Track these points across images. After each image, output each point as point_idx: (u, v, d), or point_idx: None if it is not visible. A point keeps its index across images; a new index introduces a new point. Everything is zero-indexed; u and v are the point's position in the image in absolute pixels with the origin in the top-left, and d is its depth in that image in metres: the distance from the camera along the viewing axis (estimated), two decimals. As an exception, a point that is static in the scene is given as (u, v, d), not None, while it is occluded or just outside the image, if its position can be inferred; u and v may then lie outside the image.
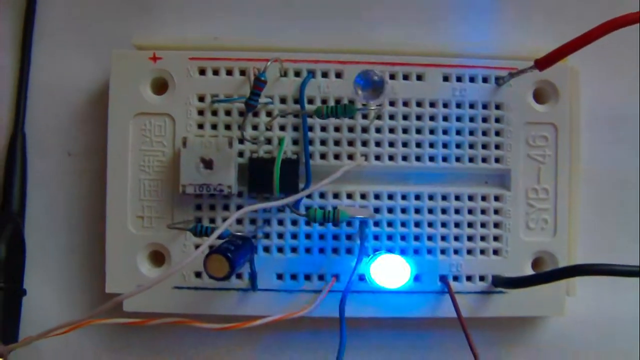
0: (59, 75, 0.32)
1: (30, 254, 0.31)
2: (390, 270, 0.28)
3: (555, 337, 0.32)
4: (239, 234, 0.28)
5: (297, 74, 0.30)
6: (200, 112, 0.30)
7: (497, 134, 0.30)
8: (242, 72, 0.30)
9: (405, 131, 0.30)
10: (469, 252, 0.30)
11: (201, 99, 0.30)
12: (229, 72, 0.30)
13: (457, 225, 0.30)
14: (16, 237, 0.30)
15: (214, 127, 0.30)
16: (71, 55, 0.32)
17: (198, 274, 0.30)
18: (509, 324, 0.32)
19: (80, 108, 0.32)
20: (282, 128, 0.30)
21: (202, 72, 0.30)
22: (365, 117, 0.30)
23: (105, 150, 0.30)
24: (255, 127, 0.30)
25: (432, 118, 0.30)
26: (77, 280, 0.31)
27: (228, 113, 0.30)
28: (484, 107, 0.30)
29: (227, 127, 0.30)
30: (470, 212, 0.30)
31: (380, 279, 0.28)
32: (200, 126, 0.30)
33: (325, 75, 0.30)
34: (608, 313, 0.32)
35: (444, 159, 0.30)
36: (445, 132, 0.30)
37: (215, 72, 0.30)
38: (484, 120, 0.30)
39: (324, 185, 0.28)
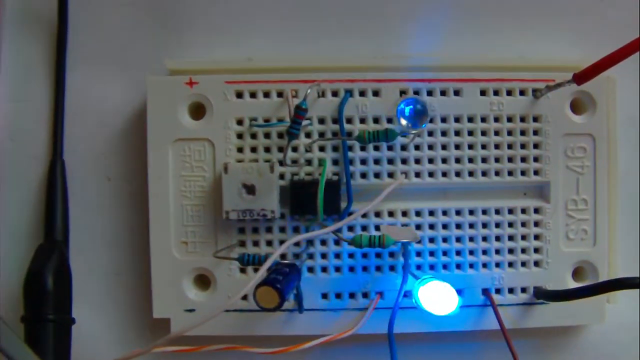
0: (94, 101, 0.32)
1: (77, 281, 0.31)
2: (438, 298, 0.28)
3: (596, 344, 0.33)
4: (285, 262, 0.28)
5: (335, 93, 0.30)
6: (239, 136, 0.30)
7: (536, 146, 0.30)
8: (280, 94, 0.30)
9: (444, 147, 0.30)
10: (510, 264, 0.31)
11: (239, 122, 0.30)
12: (266, 94, 0.30)
13: (497, 238, 0.31)
14: (62, 266, 0.30)
15: (254, 150, 0.30)
16: (105, 80, 0.32)
17: (244, 297, 0.30)
18: (550, 332, 0.32)
19: (116, 133, 0.32)
20: (322, 149, 0.30)
21: (239, 95, 0.30)
22: (404, 135, 0.30)
23: (144, 174, 0.30)
24: (295, 149, 0.30)
25: (470, 133, 0.30)
26: (124, 305, 0.32)
27: (267, 136, 0.30)
28: (522, 120, 0.30)
29: (267, 149, 0.30)
30: (510, 225, 0.31)
31: (428, 304, 0.29)
32: (240, 150, 0.30)
33: (362, 94, 0.30)
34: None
35: (484, 174, 0.30)
36: (484, 146, 0.30)
37: (253, 95, 0.30)
38: (522, 133, 0.30)
39: (371, 209, 0.28)
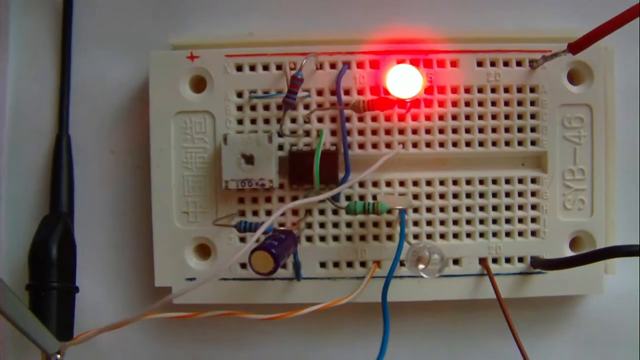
0: (98, 77, 0.33)
1: (81, 252, 0.32)
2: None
3: (594, 315, 0.33)
4: (281, 228, 0.29)
5: (333, 65, 0.30)
6: (239, 108, 0.31)
7: (533, 116, 0.31)
8: (279, 67, 0.30)
9: (441, 118, 0.31)
10: (508, 234, 0.31)
11: (239, 94, 0.31)
12: (266, 67, 0.31)
13: (495, 208, 0.31)
14: (66, 236, 0.31)
15: (253, 121, 0.31)
16: (110, 56, 0.33)
17: (243, 266, 0.31)
18: (548, 303, 0.33)
19: (120, 107, 0.33)
20: (320, 120, 0.31)
21: (239, 68, 0.31)
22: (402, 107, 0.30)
23: (146, 147, 0.31)
24: (293, 120, 0.31)
25: (467, 104, 0.31)
26: (126, 275, 0.32)
27: (266, 107, 0.31)
28: (519, 90, 0.31)
29: (266, 121, 0.31)
30: (507, 195, 0.31)
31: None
32: (240, 121, 0.31)
33: (360, 66, 0.30)
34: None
35: (481, 144, 0.31)
36: (481, 117, 0.31)
37: (252, 68, 0.31)
38: (519, 103, 0.31)
39: (365, 176, 0.29)
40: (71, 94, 0.33)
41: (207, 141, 0.31)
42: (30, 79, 0.33)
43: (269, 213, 0.31)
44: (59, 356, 0.29)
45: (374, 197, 0.30)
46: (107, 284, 0.32)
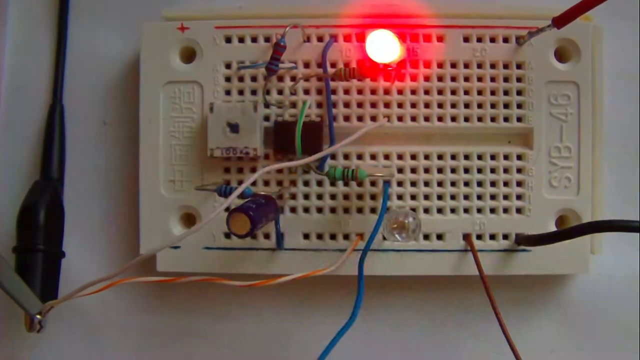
0: (94, 49, 0.33)
1: (69, 219, 0.32)
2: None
3: (580, 296, 0.33)
4: (262, 193, 0.29)
5: (320, 39, 0.31)
6: (227, 79, 0.31)
7: (519, 93, 0.31)
8: (267, 39, 0.31)
9: (427, 92, 0.31)
10: (492, 210, 0.31)
11: (228, 66, 0.31)
12: (254, 39, 0.31)
13: (480, 184, 0.31)
14: (55, 202, 0.32)
15: (241, 92, 0.31)
16: (105, 29, 0.33)
17: (227, 235, 0.31)
18: (534, 283, 0.32)
19: (114, 79, 0.33)
20: (307, 92, 0.31)
21: (228, 40, 0.31)
22: (386, 79, 0.31)
23: (138, 119, 0.31)
24: (280, 92, 0.31)
25: (453, 79, 0.31)
26: (113, 243, 0.33)
27: (254, 79, 0.31)
28: (505, 66, 0.31)
29: (253, 92, 0.31)
30: (492, 171, 0.31)
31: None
32: (228, 92, 0.31)
33: (347, 39, 0.31)
34: (634, 271, 0.32)
35: (466, 119, 0.31)
36: (467, 92, 0.31)
37: (241, 40, 0.31)
38: (505, 79, 0.31)
39: (345, 145, 0.29)
40: (66, 66, 0.33)
41: (195, 111, 0.31)
42: (27, 52, 0.34)
43: (253, 184, 0.31)
44: (39, 316, 0.29)
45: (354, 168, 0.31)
46: (94, 251, 0.33)
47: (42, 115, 0.33)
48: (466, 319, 0.33)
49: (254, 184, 0.31)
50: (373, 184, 0.31)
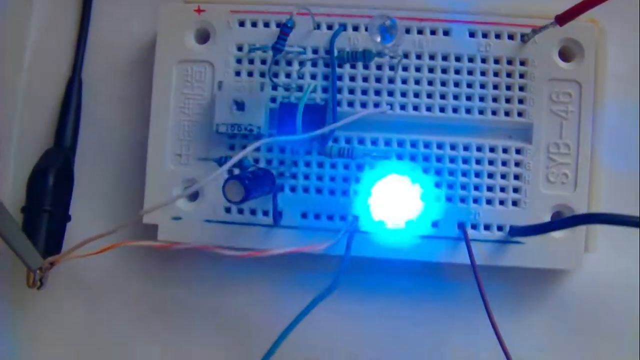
0: (114, 28, 0.35)
1: (78, 186, 0.34)
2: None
3: (572, 293, 0.33)
4: (261, 167, 0.30)
5: (330, 27, 0.32)
6: (238, 61, 0.32)
7: (521, 89, 0.31)
8: (278, 25, 0.32)
9: (430, 83, 0.31)
10: (488, 202, 0.31)
11: (240, 48, 0.32)
12: (266, 24, 0.32)
13: (477, 175, 0.31)
14: (66, 168, 0.33)
15: (250, 74, 0.32)
16: (126, 9, 0.35)
17: (228, 210, 0.32)
18: (527, 278, 0.32)
19: (131, 57, 0.35)
20: (314, 77, 0.32)
21: (242, 23, 0.32)
22: (391, 68, 0.31)
23: (151, 96, 0.33)
24: (288, 75, 0.32)
25: (457, 72, 0.31)
26: (118, 211, 0.34)
27: (264, 62, 0.32)
28: (509, 62, 0.31)
29: (262, 74, 0.32)
30: (491, 163, 0.31)
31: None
32: (238, 73, 0.32)
33: (355, 28, 0.32)
34: (628, 270, 0.32)
35: (468, 111, 0.31)
36: (469, 85, 0.31)
37: (254, 24, 0.32)
38: (509, 75, 0.31)
39: (344, 123, 0.30)
40: (87, 43, 0.35)
41: (205, 89, 0.32)
42: (51, 29, 0.35)
43: (256, 161, 0.32)
44: (39, 272, 0.30)
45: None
46: (99, 218, 0.34)
47: (61, 88, 0.34)
48: (456, 310, 0.33)
49: (255, 160, 0.32)
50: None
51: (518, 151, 0.31)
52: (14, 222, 0.30)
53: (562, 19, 0.29)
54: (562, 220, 0.28)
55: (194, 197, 0.32)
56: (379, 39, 0.28)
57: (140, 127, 0.34)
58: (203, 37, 0.33)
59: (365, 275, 0.33)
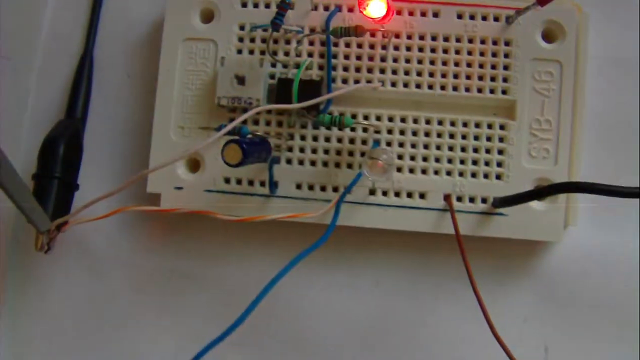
0: (125, 8, 0.37)
1: (87, 156, 0.36)
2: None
3: (555, 266, 0.34)
4: (258, 134, 0.32)
5: (327, 8, 0.34)
6: (240, 39, 0.34)
7: (506, 68, 0.33)
8: (278, 5, 0.34)
9: (420, 62, 0.33)
10: (473, 175, 0.33)
11: (242, 27, 0.34)
12: (267, 6, 0.34)
13: (463, 149, 0.33)
14: (76, 138, 0.35)
15: (251, 52, 0.34)
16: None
17: (227, 180, 0.34)
18: (512, 252, 0.34)
19: (141, 36, 0.37)
20: (311, 55, 0.34)
21: (244, 4, 0.34)
22: (384, 47, 0.33)
23: (158, 73, 0.35)
24: (286, 54, 0.34)
25: (445, 51, 0.33)
26: (124, 181, 0.36)
27: (263, 41, 0.34)
28: (494, 43, 0.33)
29: (262, 52, 0.34)
30: (476, 138, 0.33)
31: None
32: (239, 51, 0.34)
33: (350, 10, 0.34)
34: (609, 244, 0.34)
35: (455, 88, 0.33)
36: (457, 64, 0.33)
37: (256, 5, 0.34)
38: (494, 55, 0.33)
39: (337, 94, 0.32)
40: (100, 22, 0.37)
41: (209, 66, 0.34)
42: (66, 8, 0.37)
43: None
44: (47, 234, 0.32)
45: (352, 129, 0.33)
46: (106, 188, 0.35)
47: (74, 64, 0.37)
48: (443, 281, 0.34)
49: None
50: (364, 142, 0.33)
51: (502, 127, 0.33)
52: (25, 186, 0.32)
53: (542, 0, 0.31)
54: (542, 189, 0.30)
55: (194, 168, 0.34)
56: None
57: (147, 101, 0.36)
58: (208, 16, 0.35)
59: (359, 246, 0.35)
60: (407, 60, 0.33)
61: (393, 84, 0.33)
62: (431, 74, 0.33)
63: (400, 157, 0.33)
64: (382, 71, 0.33)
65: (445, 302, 0.35)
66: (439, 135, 0.33)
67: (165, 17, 0.35)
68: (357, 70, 0.34)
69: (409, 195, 0.33)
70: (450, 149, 0.33)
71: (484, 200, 0.33)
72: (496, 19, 0.33)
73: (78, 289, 0.36)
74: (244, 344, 0.35)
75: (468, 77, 0.33)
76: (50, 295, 0.36)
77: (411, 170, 0.33)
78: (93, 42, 0.37)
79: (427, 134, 0.33)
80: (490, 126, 0.33)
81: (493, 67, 0.33)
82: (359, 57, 0.34)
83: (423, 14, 0.33)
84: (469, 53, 0.33)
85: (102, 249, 0.36)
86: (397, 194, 0.33)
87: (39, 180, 0.34)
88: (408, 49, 0.33)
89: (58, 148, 0.34)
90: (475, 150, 0.33)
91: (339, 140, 0.33)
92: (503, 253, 0.34)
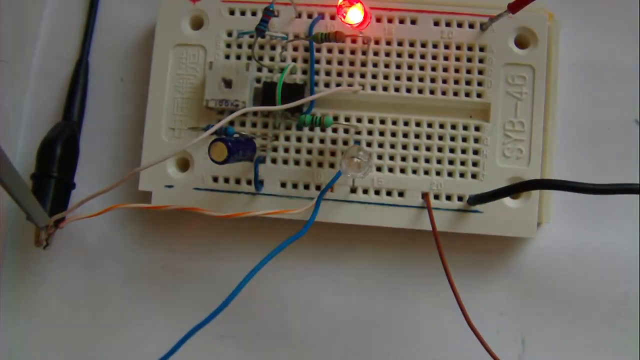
0: (120, 16, 0.39)
1: (83, 157, 0.37)
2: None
3: (531, 262, 0.36)
4: (244, 133, 0.33)
5: (310, 15, 0.36)
6: (228, 45, 0.36)
7: (480, 72, 0.35)
8: (264, 12, 0.36)
9: (398, 66, 0.35)
10: (450, 174, 0.34)
11: (229, 34, 0.36)
12: (254, 13, 0.36)
13: (440, 149, 0.35)
14: (72, 140, 0.37)
15: (238, 57, 0.36)
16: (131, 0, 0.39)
17: (215, 179, 0.35)
18: (488, 249, 0.36)
19: (134, 42, 0.39)
20: (295, 60, 0.36)
21: (232, 12, 0.36)
22: (364, 53, 0.35)
23: (150, 77, 0.36)
24: (272, 59, 0.36)
25: (422, 57, 0.35)
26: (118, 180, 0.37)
27: (250, 47, 0.36)
28: (469, 48, 0.35)
29: (249, 58, 0.36)
30: (452, 139, 0.34)
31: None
32: (227, 56, 0.36)
33: (333, 17, 0.35)
34: (582, 241, 0.36)
35: (432, 92, 0.35)
36: (434, 69, 0.35)
37: (242, 13, 0.36)
38: (469, 60, 0.35)
39: (320, 96, 0.33)
40: (95, 29, 0.39)
41: (198, 70, 0.36)
42: (63, 15, 0.39)
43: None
44: (45, 230, 0.34)
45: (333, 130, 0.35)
46: (101, 187, 0.37)
47: (70, 69, 0.38)
48: (423, 276, 0.36)
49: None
50: (346, 143, 0.35)
51: (477, 128, 0.34)
52: (25, 184, 0.33)
53: (514, 6, 0.32)
54: (515, 185, 0.31)
55: (184, 167, 0.36)
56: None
57: (139, 104, 0.37)
58: (197, 23, 0.37)
59: (342, 243, 0.36)
60: (387, 65, 0.35)
61: (373, 88, 0.35)
62: (409, 78, 0.35)
63: (380, 157, 0.35)
64: (363, 75, 0.35)
65: (425, 296, 0.36)
66: (417, 136, 0.35)
67: (157, 24, 0.36)
68: (339, 74, 0.35)
69: (389, 193, 0.35)
70: (428, 149, 0.35)
71: (460, 198, 0.34)
72: (471, 26, 0.35)
73: (73, 284, 0.38)
74: (232, 337, 0.36)
75: (444, 81, 0.35)
76: (45, 290, 0.37)
77: (390, 170, 0.35)
78: (88, 48, 0.39)
79: (405, 135, 0.35)
80: (465, 128, 0.35)
81: (468, 71, 0.35)
82: (340, 62, 0.35)
83: (401, 22, 0.35)
84: (445, 58, 0.35)
85: (96, 246, 0.38)
86: (377, 192, 0.35)
87: (37, 180, 0.35)
88: (387, 54, 0.35)
89: (55, 149, 0.35)
90: (452, 150, 0.34)
91: (322, 141, 0.35)
92: (480, 249, 0.36)
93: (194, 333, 0.28)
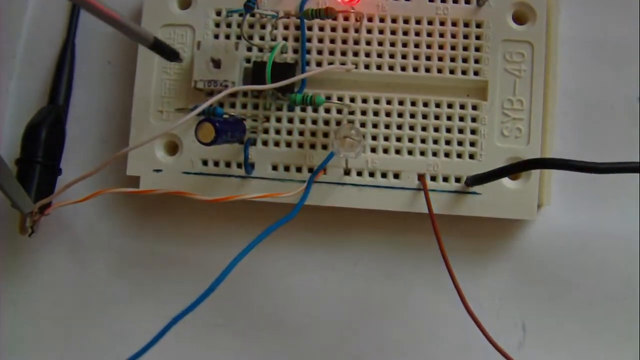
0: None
1: (70, 142, 0.36)
2: None
3: (530, 245, 0.35)
4: (233, 114, 0.32)
5: (301, -7, 0.35)
6: (217, 25, 0.35)
7: (477, 49, 0.33)
8: (253, -11, 0.35)
9: (392, 44, 0.34)
10: (447, 154, 0.33)
11: (218, 13, 0.35)
12: (243, -9, 0.35)
13: (436, 129, 0.33)
14: (58, 124, 0.36)
15: (227, 37, 0.35)
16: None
17: (205, 162, 0.34)
18: (487, 233, 0.35)
19: (121, 25, 0.38)
20: (285, 38, 0.34)
21: (221, -9, 0.35)
22: (356, 30, 0.34)
23: (137, 60, 0.35)
24: (262, 38, 0.35)
25: (417, 34, 0.34)
26: (105, 167, 0.36)
27: (239, 26, 0.35)
28: (466, 25, 0.34)
29: (238, 37, 0.35)
30: (449, 118, 0.33)
31: None
32: (216, 36, 0.35)
33: (325, -5, 0.34)
34: (582, 223, 0.34)
35: (427, 70, 0.34)
36: (429, 46, 0.34)
37: (232, -9, 0.35)
38: (465, 37, 0.34)
39: (310, 75, 0.32)
40: (81, 11, 0.38)
41: (186, 51, 0.35)
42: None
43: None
44: (30, 217, 0.33)
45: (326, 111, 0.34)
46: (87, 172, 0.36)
47: (56, 51, 0.37)
48: (420, 260, 0.35)
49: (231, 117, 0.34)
50: (339, 123, 0.34)
51: (474, 107, 0.33)
52: (9, 170, 0.33)
53: (512, -18, 0.31)
54: (514, 165, 0.30)
55: (173, 150, 0.35)
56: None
57: (127, 87, 0.36)
58: (185, 3, 0.35)
59: (338, 227, 0.35)
60: (380, 43, 0.34)
61: (366, 66, 0.34)
62: (404, 56, 0.34)
63: (374, 137, 0.34)
64: (356, 54, 0.34)
65: (423, 281, 0.35)
66: (412, 116, 0.34)
67: (144, 4, 0.35)
68: (331, 53, 0.34)
69: (384, 175, 0.34)
70: (424, 129, 0.33)
71: (457, 180, 0.33)
72: (467, 2, 0.34)
73: (60, 272, 0.37)
74: (224, 325, 0.36)
75: (440, 59, 0.34)
76: (32, 278, 0.37)
77: (385, 151, 0.34)
78: (75, 30, 0.37)
79: (400, 115, 0.34)
80: (462, 106, 0.33)
81: (465, 48, 0.34)
82: (332, 41, 0.34)
83: (395, -3, 0.34)
84: (441, 35, 0.34)
85: (83, 233, 0.37)
86: (371, 174, 0.34)
87: (22, 165, 0.34)
88: (381, 31, 0.34)
89: (40, 133, 0.34)
90: (448, 130, 0.33)
91: (314, 122, 0.34)
92: (478, 232, 0.35)
93: (179, 320, 0.27)
